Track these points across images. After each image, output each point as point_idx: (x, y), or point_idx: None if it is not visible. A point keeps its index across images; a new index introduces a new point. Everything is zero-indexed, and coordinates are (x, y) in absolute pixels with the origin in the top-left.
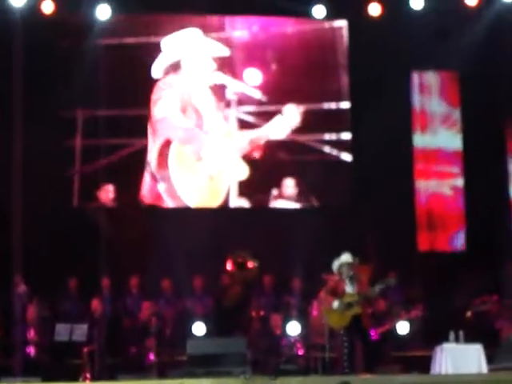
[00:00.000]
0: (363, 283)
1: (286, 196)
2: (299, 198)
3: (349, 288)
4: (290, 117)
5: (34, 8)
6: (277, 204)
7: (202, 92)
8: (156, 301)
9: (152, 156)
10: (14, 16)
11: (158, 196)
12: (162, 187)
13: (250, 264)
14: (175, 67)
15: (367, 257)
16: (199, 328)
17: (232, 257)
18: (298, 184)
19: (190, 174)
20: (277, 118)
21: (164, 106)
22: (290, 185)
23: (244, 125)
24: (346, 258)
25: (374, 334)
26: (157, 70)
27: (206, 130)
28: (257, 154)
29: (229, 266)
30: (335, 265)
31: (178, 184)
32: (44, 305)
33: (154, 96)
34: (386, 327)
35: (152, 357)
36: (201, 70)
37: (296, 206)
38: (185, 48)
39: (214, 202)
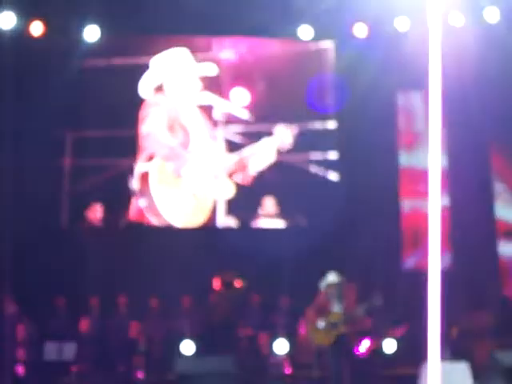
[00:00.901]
0: (350, 302)
1: (268, 214)
2: (282, 216)
3: (335, 307)
4: (282, 138)
5: (23, 30)
6: (261, 223)
7: (189, 111)
8: (144, 320)
9: (135, 172)
10: (3, 38)
11: (140, 212)
12: (143, 204)
13: (238, 283)
14: (162, 87)
15: (354, 276)
16: (188, 347)
17: (219, 276)
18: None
19: (172, 191)
20: (267, 139)
21: (151, 123)
22: (269, 204)
23: (231, 145)
24: (332, 277)
25: (360, 352)
26: (143, 88)
27: (190, 149)
28: (242, 175)
29: (216, 286)
30: (323, 284)
31: (158, 200)
32: (33, 324)
33: (142, 114)
34: (371, 346)
35: (140, 375)
36: (188, 90)
37: (279, 224)
38: (172, 67)
39: (196, 220)
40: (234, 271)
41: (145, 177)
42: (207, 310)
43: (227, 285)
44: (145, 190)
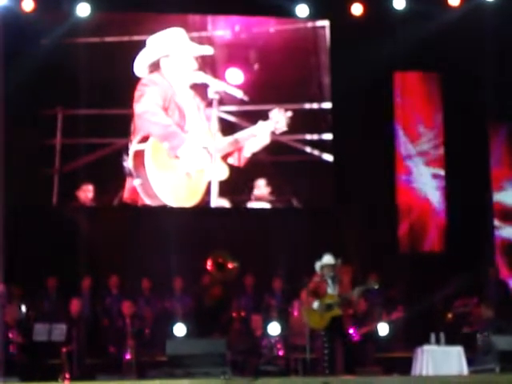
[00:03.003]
0: (345, 285)
1: (260, 196)
2: (275, 198)
3: (330, 289)
4: (276, 120)
5: (14, 6)
6: (254, 204)
7: (184, 91)
8: (135, 301)
9: (130, 152)
10: None
11: (135, 192)
12: (137, 182)
13: (230, 265)
14: (158, 66)
15: (349, 258)
16: (179, 329)
17: (212, 257)
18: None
19: (166, 171)
20: (262, 123)
21: (146, 102)
22: (261, 185)
23: (225, 124)
24: (327, 259)
25: (354, 334)
26: (139, 67)
27: (187, 129)
28: (236, 156)
29: (209, 267)
30: (317, 266)
31: (153, 180)
32: (23, 305)
33: (137, 93)
34: (366, 329)
35: (131, 357)
36: (183, 69)
37: (270, 206)
38: (168, 47)
39: (190, 200)
40: (226, 252)
41: (139, 156)
42: (199, 292)
43: (219, 266)
44: (139, 169)
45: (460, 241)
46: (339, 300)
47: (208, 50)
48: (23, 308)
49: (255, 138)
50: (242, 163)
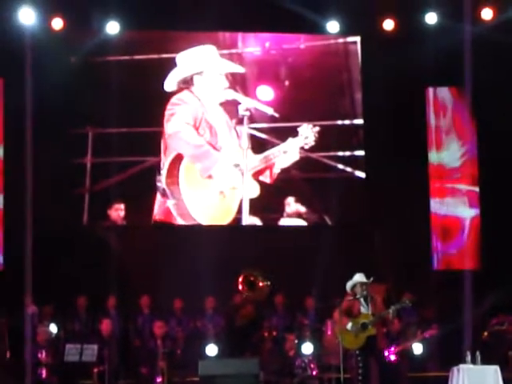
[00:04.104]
0: (378, 303)
1: (292, 214)
2: (307, 215)
3: (363, 308)
4: (305, 136)
5: (44, 25)
6: (286, 222)
7: (215, 108)
8: (167, 321)
9: (163, 172)
10: (25, 33)
11: (168, 213)
12: (171, 203)
13: (261, 283)
14: (189, 83)
15: (382, 276)
16: (211, 349)
17: (243, 276)
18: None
19: (200, 191)
20: (292, 139)
21: (177, 121)
22: (293, 202)
23: (256, 142)
24: (359, 277)
25: (389, 354)
26: (170, 84)
27: (219, 147)
28: (267, 174)
29: (240, 286)
30: (349, 285)
31: (187, 200)
32: (53, 325)
33: (168, 111)
34: (401, 348)
35: (162, 378)
36: (214, 87)
37: (302, 223)
38: (201, 63)
39: (224, 219)
40: (258, 271)
41: (173, 177)
42: (230, 311)
43: (250, 285)
44: (174, 190)
45: (496, 258)
46: (374, 319)
47: (239, 69)
48: (54, 328)
49: (286, 155)
50: (274, 180)
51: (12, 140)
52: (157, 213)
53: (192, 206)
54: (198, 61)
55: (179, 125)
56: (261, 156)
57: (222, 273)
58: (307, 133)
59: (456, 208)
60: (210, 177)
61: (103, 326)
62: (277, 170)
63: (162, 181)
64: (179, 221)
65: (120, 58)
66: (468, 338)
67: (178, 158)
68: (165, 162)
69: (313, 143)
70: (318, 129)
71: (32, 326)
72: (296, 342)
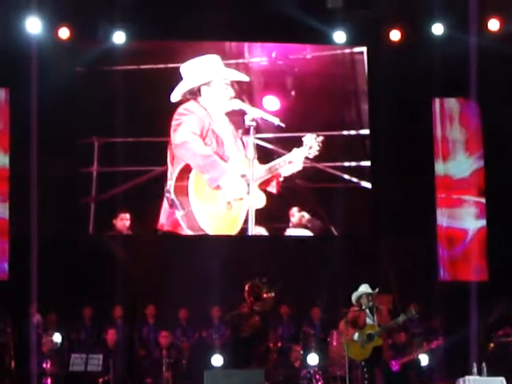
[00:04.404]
0: (383, 314)
1: (298, 224)
2: (312, 225)
3: (369, 319)
4: (309, 146)
5: (50, 34)
6: (292, 232)
7: (221, 118)
8: (172, 331)
9: (171, 182)
10: (31, 42)
11: (176, 223)
12: (180, 214)
13: (265, 295)
14: (195, 93)
15: (387, 287)
16: (216, 359)
17: (248, 286)
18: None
19: (209, 202)
20: (297, 149)
21: (184, 131)
22: (299, 212)
23: (262, 152)
24: (365, 288)
25: (395, 365)
26: (176, 94)
27: (226, 157)
28: (273, 184)
29: (245, 296)
30: (354, 296)
31: (196, 211)
32: (58, 334)
33: (175, 121)
34: (407, 359)
35: None
36: (221, 97)
37: (307, 233)
38: (205, 74)
39: (231, 229)
40: (262, 282)
41: (182, 188)
42: (236, 321)
43: (255, 296)
44: (183, 201)
45: (503, 269)
46: (380, 330)
47: (244, 78)
48: (58, 338)
49: (291, 165)
50: (280, 190)
51: (18, 149)
52: (164, 223)
53: (201, 216)
54: (204, 71)
55: (186, 135)
56: (266, 166)
57: (228, 283)
58: (311, 142)
59: (462, 219)
60: (217, 187)
61: (108, 336)
62: (281, 180)
63: (170, 191)
64: (187, 231)
65: (126, 67)
66: (474, 350)
67: (187, 169)
68: (173, 173)
69: (317, 153)
70: (321, 138)
71: (37, 336)
72: (301, 352)
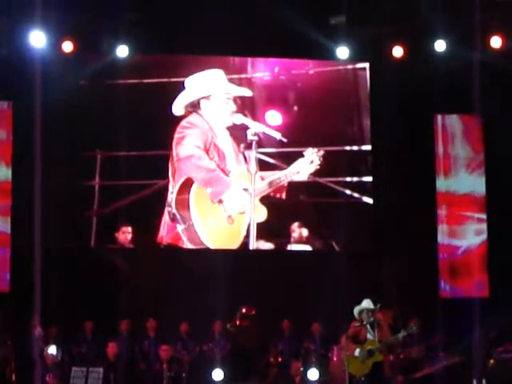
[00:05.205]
0: (384, 330)
1: (299, 239)
2: (314, 240)
3: (369, 335)
4: (311, 160)
5: (54, 48)
6: (294, 247)
7: (223, 132)
8: (173, 344)
9: (172, 196)
10: (35, 55)
11: (178, 237)
12: (181, 228)
13: (248, 312)
14: (196, 107)
15: (388, 302)
16: (217, 373)
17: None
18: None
19: (210, 216)
20: (298, 162)
21: (188, 145)
22: (300, 227)
23: (264, 166)
24: (366, 304)
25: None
26: (177, 107)
27: (228, 171)
28: (274, 198)
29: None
30: (356, 309)
31: (198, 225)
32: (60, 348)
33: (178, 135)
34: (425, 372)
35: None
36: (223, 111)
37: (309, 248)
38: (205, 88)
39: (233, 243)
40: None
41: (184, 202)
42: (235, 332)
43: (242, 315)
44: (184, 215)
45: (504, 285)
46: (381, 346)
47: (247, 93)
48: (53, 350)
49: (297, 175)
50: (280, 204)
51: (20, 162)
52: (166, 237)
53: (202, 230)
54: (204, 85)
55: (191, 149)
56: (267, 180)
57: (229, 297)
58: (312, 157)
59: (463, 235)
60: (220, 201)
61: (109, 349)
62: (283, 195)
63: (171, 205)
64: (188, 245)
65: (129, 81)
66: (474, 366)
67: (188, 182)
68: (174, 187)
69: (318, 167)
70: (322, 153)
71: (37, 349)
72: (301, 368)
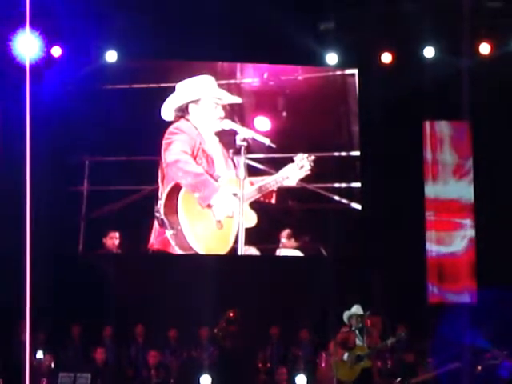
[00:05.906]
0: (373, 336)
1: (288, 244)
2: (302, 246)
3: (359, 340)
4: (301, 165)
5: (43, 52)
6: (282, 252)
7: (212, 138)
8: (161, 350)
9: (161, 202)
10: (23, 61)
11: (166, 243)
12: (170, 233)
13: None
14: (184, 112)
15: (377, 308)
16: (205, 379)
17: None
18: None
19: (199, 221)
20: (287, 167)
21: (175, 150)
22: (289, 233)
23: (253, 172)
24: (356, 309)
25: None
26: (166, 112)
27: (216, 176)
28: (263, 203)
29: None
30: (346, 314)
31: (186, 230)
32: (47, 353)
33: (166, 140)
34: (422, 377)
35: None
36: (211, 116)
37: (297, 254)
38: (194, 92)
39: (222, 249)
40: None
41: (172, 207)
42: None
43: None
44: (172, 220)
45: (491, 291)
46: (369, 352)
47: (236, 100)
48: (41, 355)
49: (286, 180)
50: (269, 210)
51: (8, 167)
52: (154, 242)
53: (190, 235)
54: (194, 89)
55: (177, 154)
56: (256, 186)
57: (218, 303)
58: (303, 162)
59: (451, 241)
60: (209, 206)
61: (97, 355)
62: (272, 200)
63: (160, 211)
64: (177, 251)
65: (118, 86)
66: (462, 372)
67: (176, 188)
68: (163, 192)
69: (308, 172)
70: (313, 158)
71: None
72: (287, 374)
